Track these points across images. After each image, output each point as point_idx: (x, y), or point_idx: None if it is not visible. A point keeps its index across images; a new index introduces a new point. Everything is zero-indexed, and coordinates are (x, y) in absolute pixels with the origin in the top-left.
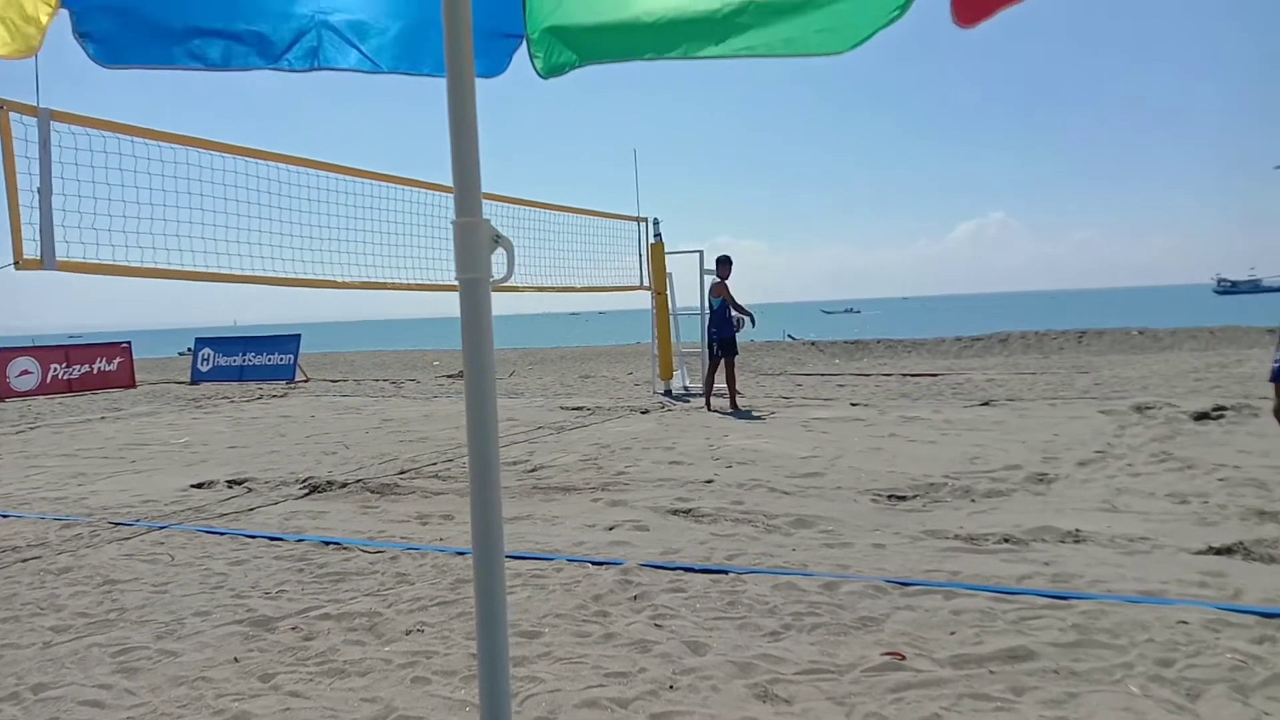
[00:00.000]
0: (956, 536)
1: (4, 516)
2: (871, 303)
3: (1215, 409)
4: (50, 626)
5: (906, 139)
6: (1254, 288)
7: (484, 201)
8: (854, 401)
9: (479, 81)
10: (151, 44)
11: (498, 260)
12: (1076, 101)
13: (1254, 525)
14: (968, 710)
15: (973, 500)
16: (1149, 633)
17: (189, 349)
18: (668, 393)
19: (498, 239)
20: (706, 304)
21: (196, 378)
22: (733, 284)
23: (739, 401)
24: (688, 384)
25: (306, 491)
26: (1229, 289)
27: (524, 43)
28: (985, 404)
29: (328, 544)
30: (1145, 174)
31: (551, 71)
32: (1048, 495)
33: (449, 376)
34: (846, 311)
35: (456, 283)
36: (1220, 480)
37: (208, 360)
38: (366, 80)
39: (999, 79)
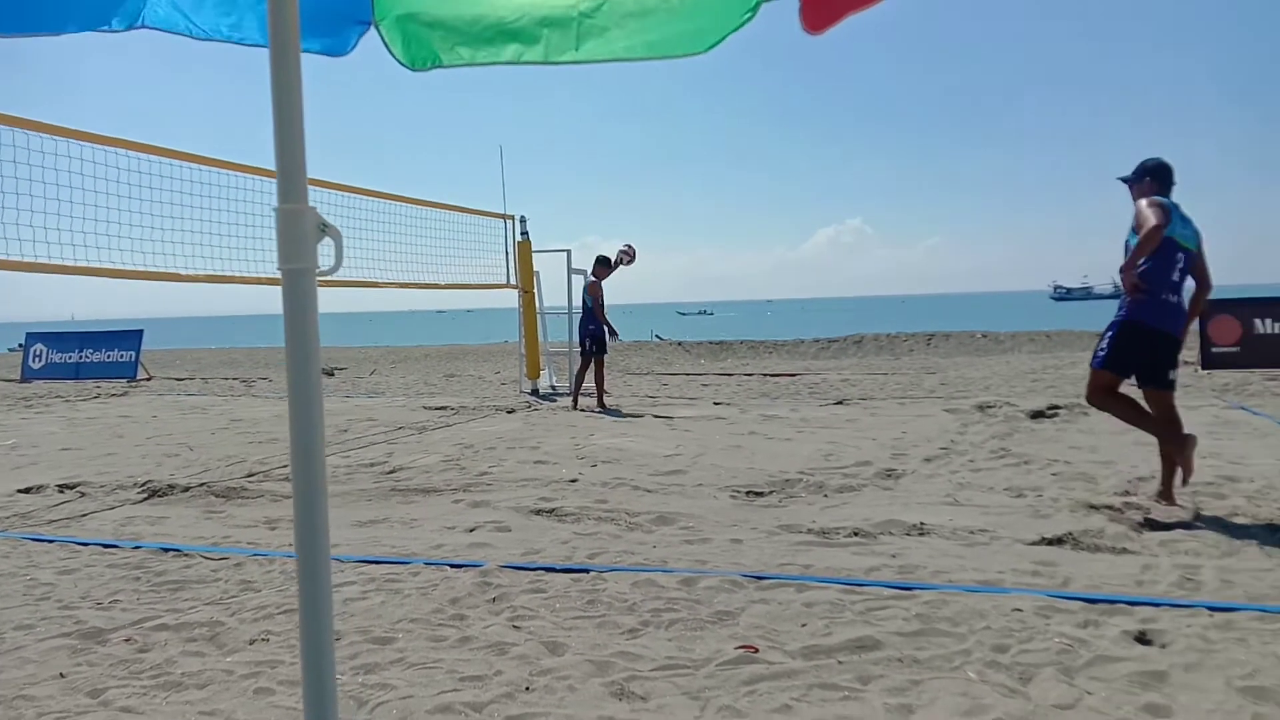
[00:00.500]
0: (810, 530)
1: None
2: (734, 305)
3: (1050, 408)
4: None
5: (772, 144)
6: (1086, 294)
7: (342, 194)
8: (717, 401)
9: (331, 62)
10: None
11: (325, 251)
12: (925, 110)
13: (1082, 517)
14: (816, 700)
15: (826, 495)
16: (986, 620)
17: (19, 345)
18: (534, 392)
19: (325, 227)
20: (581, 302)
21: (28, 375)
22: (605, 284)
23: (606, 401)
24: (555, 383)
25: (145, 496)
26: (1064, 295)
27: (372, 29)
28: (839, 403)
29: (167, 551)
30: (989, 183)
31: (416, 64)
32: (895, 490)
33: None
34: (700, 313)
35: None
36: (1053, 475)
37: (40, 357)
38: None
39: (855, 86)
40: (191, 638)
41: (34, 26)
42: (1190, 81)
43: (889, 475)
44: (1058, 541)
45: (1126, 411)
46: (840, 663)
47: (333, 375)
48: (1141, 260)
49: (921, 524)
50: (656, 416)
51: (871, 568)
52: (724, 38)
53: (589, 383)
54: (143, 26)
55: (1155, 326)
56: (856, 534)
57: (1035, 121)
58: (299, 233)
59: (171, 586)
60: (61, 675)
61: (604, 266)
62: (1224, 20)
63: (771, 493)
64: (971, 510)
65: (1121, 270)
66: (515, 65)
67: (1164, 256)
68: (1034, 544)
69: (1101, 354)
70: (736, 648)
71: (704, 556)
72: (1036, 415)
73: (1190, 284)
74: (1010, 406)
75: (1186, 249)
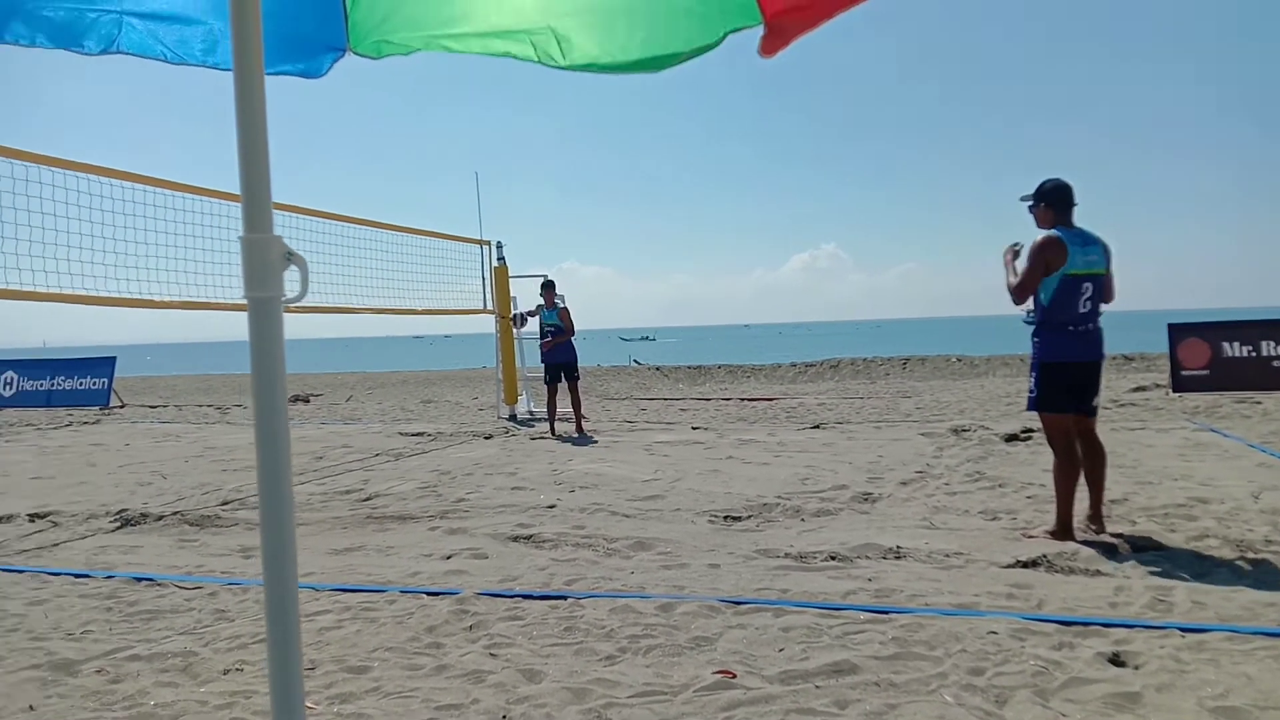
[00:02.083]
0: (787, 555)
1: None
2: (712, 330)
3: (1024, 431)
4: None
5: (746, 168)
6: None
7: (320, 220)
8: (695, 425)
9: (303, 85)
10: None
11: (292, 278)
12: (896, 138)
13: (1056, 540)
14: None
15: (803, 519)
16: (962, 643)
17: None
18: (512, 417)
19: (290, 256)
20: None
21: None
22: (575, 310)
23: (584, 426)
24: (533, 408)
25: (118, 525)
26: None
27: (347, 54)
28: (816, 427)
29: (140, 580)
30: (959, 209)
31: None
32: (872, 514)
33: None
34: (643, 339)
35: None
36: (1028, 498)
37: (11, 384)
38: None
39: (826, 112)
40: (165, 668)
41: (0, 35)
42: (1188, 99)
43: (866, 499)
44: (1032, 564)
45: (1064, 469)
46: (818, 687)
47: (308, 402)
48: (1025, 284)
49: (898, 547)
50: (634, 442)
51: (848, 591)
52: (683, 60)
53: (566, 408)
54: (117, 51)
55: (1070, 360)
56: (833, 558)
57: (1002, 148)
58: (264, 261)
59: (144, 616)
60: (31, 708)
61: (549, 290)
62: (1231, 32)
63: (749, 517)
64: (947, 533)
65: (1006, 254)
66: (493, 57)
67: (1070, 290)
68: (1009, 567)
69: (1032, 396)
70: (714, 673)
71: (682, 582)
72: (1011, 439)
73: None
74: (985, 430)
75: (1094, 275)
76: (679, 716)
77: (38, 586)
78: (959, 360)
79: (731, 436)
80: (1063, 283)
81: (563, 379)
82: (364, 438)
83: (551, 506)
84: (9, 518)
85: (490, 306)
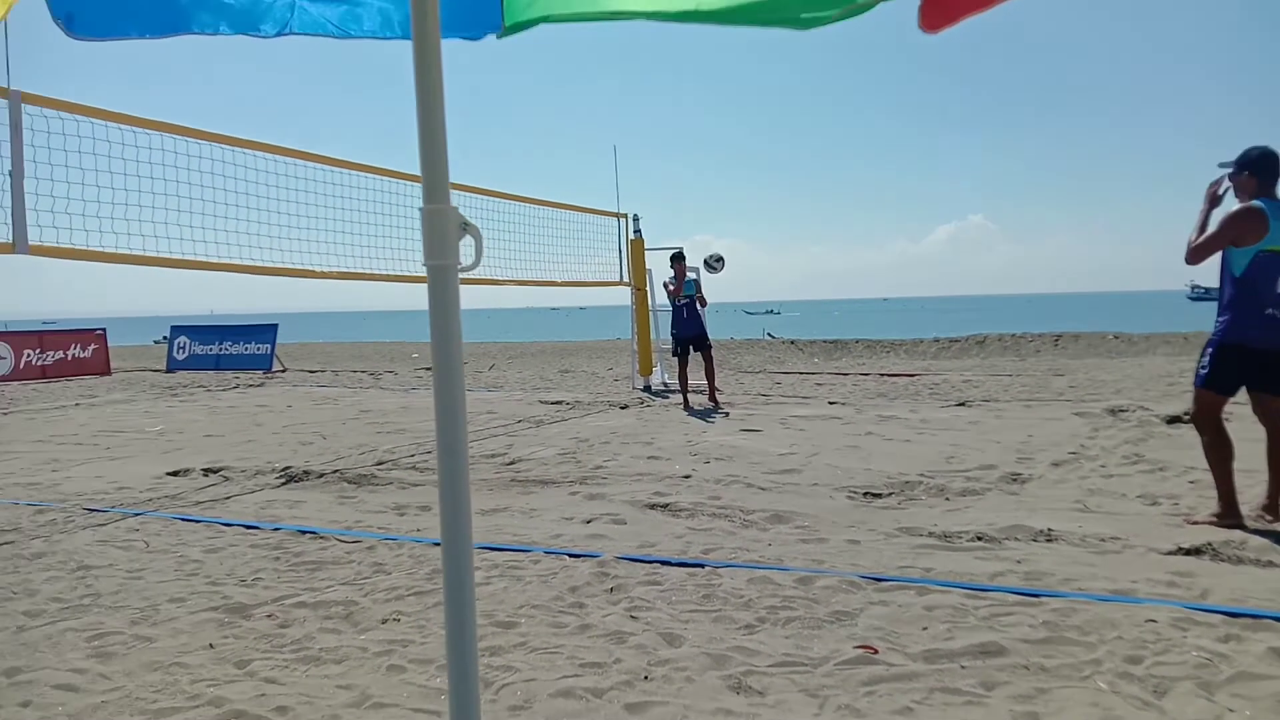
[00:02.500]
0: (930, 534)
1: None
2: (852, 303)
3: (1187, 413)
4: (24, 611)
5: (888, 139)
6: None
7: (465, 194)
8: (832, 400)
9: (463, 52)
10: (127, 14)
11: (466, 248)
12: (1048, 106)
13: (1223, 527)
14: (938, 704)
15: (947, 499)
16: (1118, 630)
17: (164, 337)
18: (647, 388)
19: (465, 226)
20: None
21: (172, 366)
22: (711, 283)
23: (718, 398)
24: (667, 380)
25: (283, 481)
26: (1202, 296)
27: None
28: (961, 404)
29: (304, 533)
30: (1120, 178)
31: (510, 31)
32: (1021, 495)
33: (428, 369)
34: (767, 313)
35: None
36: (1191, 483)
37: (184, 349)
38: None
39: (980, 78)
40: (328, 615)
41: (188, 26)
42: None
43: (1014, 479)
44: (1196, 552)
45: (1217, 448)
46: (963, 667)
47: None
48: (1204, 246)
49: (1049, 530)
50: (769, 415)
51: (996, 573)
52: (834, 19)
53: (699, 379)
54: (289, 33)
55: (1256, 347)
56: (980, 539)
57: (1175, 112)
58: (442, 231)
59: (309, 566)
60: (211, 646)
61: (679, 262)
62: None
63: (890, 494)
64: (1102, 517)
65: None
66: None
67: (1266, 268)
68: (1170, 554)
69: (1203, 372)
70: (855, 647)
71: (820, 556)
72: (1173, 420)
73: None
74: (1144, 411)
75: None
76: (820, 688)
77: (213, 536)
78: (1116, 337)
79: (870, 412)
80: (1258, 259)
81: (692, 351)
82: (506, 405)
83: (687, 476)
84: (186, 472)
85: (626, 279)
